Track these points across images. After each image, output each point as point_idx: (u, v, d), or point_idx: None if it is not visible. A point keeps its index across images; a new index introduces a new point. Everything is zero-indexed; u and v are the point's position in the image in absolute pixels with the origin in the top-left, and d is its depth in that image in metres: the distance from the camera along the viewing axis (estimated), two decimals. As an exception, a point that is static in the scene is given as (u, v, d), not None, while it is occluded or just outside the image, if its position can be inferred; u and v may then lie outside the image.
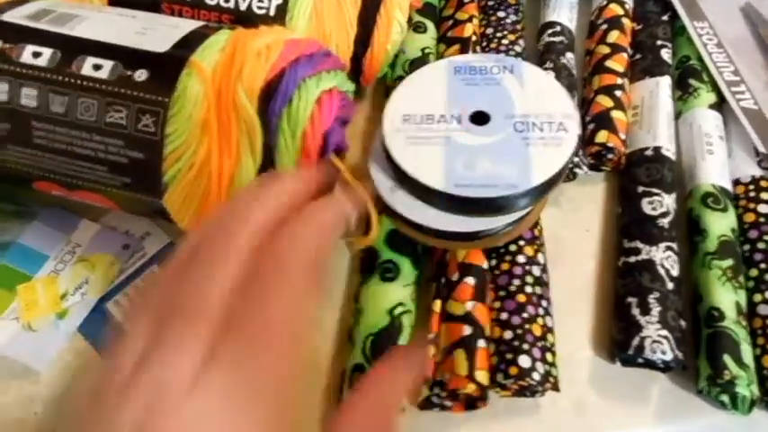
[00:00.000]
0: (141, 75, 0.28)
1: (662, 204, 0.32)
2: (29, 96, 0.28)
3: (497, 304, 0.30)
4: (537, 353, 0.28)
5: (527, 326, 0.29)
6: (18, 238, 0.34)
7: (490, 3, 0.42)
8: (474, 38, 0.40)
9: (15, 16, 0.30)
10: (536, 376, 0.27)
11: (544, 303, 0.30)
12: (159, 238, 0.34)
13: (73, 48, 0.28)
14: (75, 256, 0.33)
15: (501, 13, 0.41)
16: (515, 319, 0.29)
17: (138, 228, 0.35)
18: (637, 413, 0.29)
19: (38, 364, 0.31)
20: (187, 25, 0.31)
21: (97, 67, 0.28)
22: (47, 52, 0.28)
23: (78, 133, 0.28)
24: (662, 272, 0.30)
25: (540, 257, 0.32)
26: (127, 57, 0.28)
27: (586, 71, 0.39)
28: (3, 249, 0.33)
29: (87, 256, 0.33)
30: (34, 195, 0.33)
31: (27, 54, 0.28)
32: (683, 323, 0.29)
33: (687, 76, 0.38)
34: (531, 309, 0.29)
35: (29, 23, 0.29)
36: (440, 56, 0.40)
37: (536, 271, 0.31)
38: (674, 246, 0.31)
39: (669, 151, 0.34)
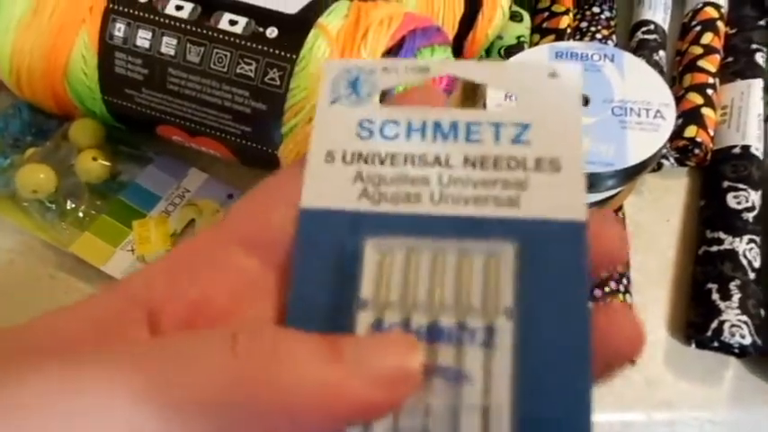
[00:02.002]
0: (272, 32, 0.30)
1: (747, 199, 0.33)
2: (168, 45, 0.31)
3: (580, 277, 0.31)
4: (617, 325, 0.30)
5: (608, 299, 0.30)
6: (135, 179, 0.37)
7: (586, -2, 0.43)
8: (569, 30, 0.41)
9: (161, -28, 0.33)
10: (615, 346, 0.29)
11: (625, 281, 0.31)
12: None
13: (212, 3, 0.31)
14: (185, 200, 0.36)
15: (596, 9, 0.43)
16: (597, 292, 0.30)
17: (241, 183, 0.37)
18: (709, 395, 0.30)
19: None
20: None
21: (233, 23, 0.31)
22: (188, 6, 0.31)
23: (209, 82, 0.31)
24: (744, 262, 0.31)
25: (623, 239, 0.33)
26: (260, 15, 0.31)
27: (676, 70, 0.40)
28: (121, 187, 0.36)
29: (195, 201, 0.36)
30: (153, 140, 0.36)
31: (171, 6, 0.31)
32: (762, 312, 0.30)
33: (781, 82, 0.38)
34: (612, 284, 0.31)
35: (173, -20, 0.32)
36: (533, 46, 0.41)
37: (619, 251, 0.32)
38: (758, 239, 0.32)
39: (758, 150, 0.35)
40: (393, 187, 0.15)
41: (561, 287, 0.13)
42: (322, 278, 0.14)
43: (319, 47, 0.30)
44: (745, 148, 0.35)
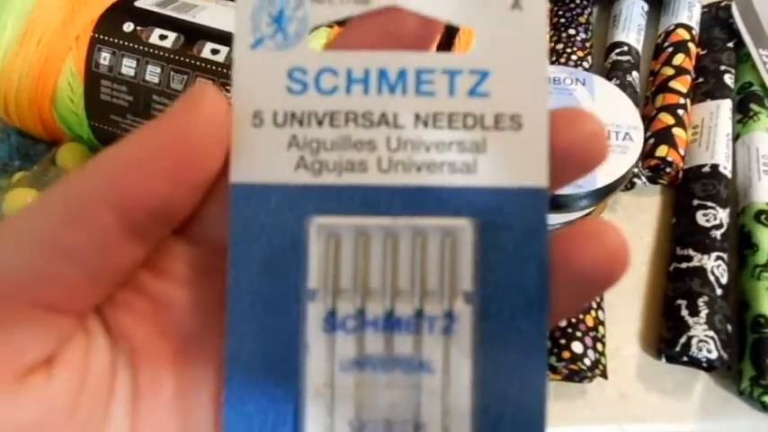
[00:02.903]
0: (253, 61, 0.31)
1: (716, 217, 0.34)
2: (152, 73, 0.32)
3: (554, 295, 0.32)
4: (589, 341, 0.30)
5: (581, 316, 0.31)
6: None
7: (562, 20, 0.45)
8: (545, 52, 0.42)
9: (146, 3, 0.34)
10: (587, 362, 0.30)
11: (597, 298, 0.32)
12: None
13: (195, 33, 0.32)
14: None
15: (572, 31, 0.44)
16: (570, 310, 0.31)
17: None
18: (680, 408, 0.31)
19: None
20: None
21: (215, 52, 0.32)
22: (171, 36, 0.32)
23: (192, 109, 0.32)
24: (712, 278, 0.32)
25: (596, 257, 0.34)
26: (241, 44, 0.32)
27: (650, 90, 0.42)
28: None
29: None
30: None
31: (155, 36, 0.32)
32: (729, 327, 0.31)
33: (748, 101, 0.40)
34: (585, 301, 0.32)
35: (157, 9, 0.33)
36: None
37: (592, 268, 0.33)
38: (725, 256, 0.33)
39: (726, 169, 0.36)
40: (334, 154, 0.13)
41: (521, 263, 0.13)
42: (263, 264, 0.13)
43: (298, 75, 0.31)
44: (714, 167, 0.36)
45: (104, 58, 0.33)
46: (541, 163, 0.13)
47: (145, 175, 0.12)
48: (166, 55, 0.32)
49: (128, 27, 0.33)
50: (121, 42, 0.32)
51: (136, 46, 0.32)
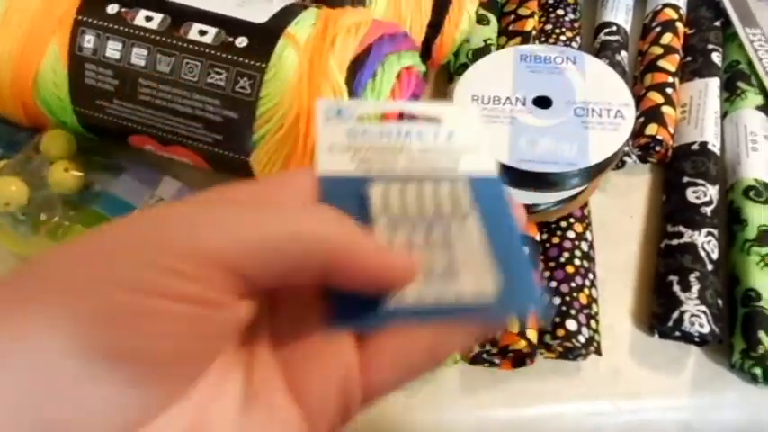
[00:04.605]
0: (242, 42, 0.31)
1: (705, 194, 0.34)
2: (139, 56, 0.32)
3: (547, 273, 0.32)
4: (583, 319, 0.31)
5: (574, 294, 0.31)
6: (108, 189, 0.37)
7: (550, 1, 0.45)
8: (534, 32, 0.42)
9: (130, -17, 0.33)
10: (581, 339, 0.30)
11: (590, 276, 0.33)
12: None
13: (181, 14, 0.32)
14: None
15: (560, 11, 0.44)
16: (564, 287, 0.32)
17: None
18: (672, 383, 0.31)
19: None
20: (279, 1, 0.34)
21: (202, 33, 0.31)
22: (157, 17, 0.32)
23: (180, 91, 0.31)
24: (703, 254, 0.32)
25: (587, 234, 0.34)
26: (229, 25, 0.31)
27: (638, 70, 0.42)
28: (95, 197, 0.36)
29: None
30: (125, 150, 0.36)
31: (140, 18, 0.32)
32: (720, 302, 0.31)
33: (735, 80, 0.40)
34: (578, 279, 0.32)
35: (141, -9, 0.33)
36: (500, 48, 0.42)
37: (584, 246, 0.33)
38: (715, 232, 0.33)
39: (715, 147, 0.36)
40: (377, 156, 0.20)
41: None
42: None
43: (288, 56, 0.30)
44: (703, 144, 0.36)
45: (88, 40, 0.32)
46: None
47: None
48: (152, 37, 0.31)
49: (112, 8, 0.32)
50: (106, 24, 0.32)
51: (121, 28, 0.32)
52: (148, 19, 0.32)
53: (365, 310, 0.16)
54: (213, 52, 0.31)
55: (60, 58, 0.33)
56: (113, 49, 0.32)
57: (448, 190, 0.19)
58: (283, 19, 0.31)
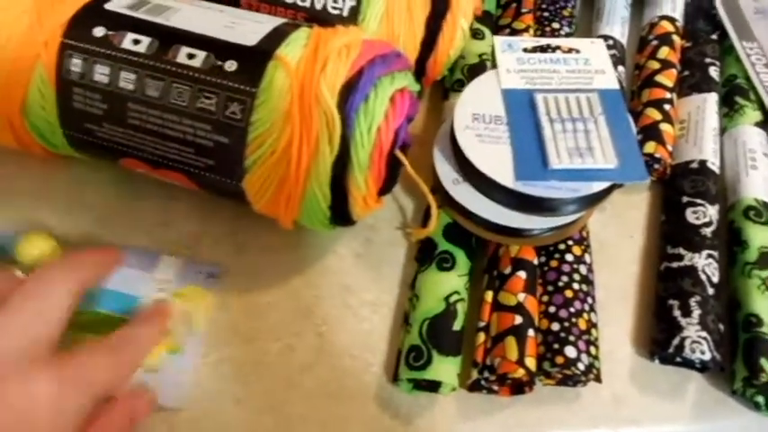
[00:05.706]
0: (231, 65, 0.30)
1: (705, 215, 0.34)
2: (127, 80, 0.31)
3: (545, 298, 0.32)
4: (582, 345, 0.30)
5: (574, 319, 0.31)
6: (104, 285, 0.33)
7: (545, 14, 0.44)
8: (529, 47, 0.42)
9: (117, 6, 0.32)
10: (581, 366, 0.29)
11: (590, 300, 0.32)
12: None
13: (169, 37, 0.31)
14: (169, 293, 0.33)
15: (555, 25, 0.43)
16: (563, 313, 0.31)
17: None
18: (673, 410, 0.31)
19: (172, 402, 0.31)
20: (269, 21, 0.33)
21: (191, 56, 0.30)
22: (145, 40, 0.31)
23: (170, 116, 0.31)
24: (703, 278, 0.32)
25: (586, 257, 0.34)
26: (218, 48, 0.30)
27: (635, 84, 0.41)
28: (93, 298, 0.32)
29: (179, 291, 0.34)
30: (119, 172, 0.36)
31: (127, 41, 0.31)
32: (721, 327, 0.31)
33: (734, 94, 0.39)
34: (577, 304, 0.31)
35: (129, 13, 0.32)
36: (495, 62, 0.42)
37: (583, 269, 0.33)
38: (716, 254, 0.33)
39: (714, 165, 0.36)
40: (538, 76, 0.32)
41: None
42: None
43: (278, 79, 0.30)
44: (702, 162, 0.36)
45: (75, 64, 0.31)
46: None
47: None
48: (140, 60, 0.31)
49: (99, 31, 0.31)
50: (92, 48, 0.31)
51: (108, 51, 0.31)
52: (136, 42, 0.31)
53: (537, 169, 0.28)
54: (202, 77, 0.30)
55: (48, 82, 0.32)
56: (101, 74, 0.31)
57: (586, 98, 0.30)
58: (273, 41, 0.31)
